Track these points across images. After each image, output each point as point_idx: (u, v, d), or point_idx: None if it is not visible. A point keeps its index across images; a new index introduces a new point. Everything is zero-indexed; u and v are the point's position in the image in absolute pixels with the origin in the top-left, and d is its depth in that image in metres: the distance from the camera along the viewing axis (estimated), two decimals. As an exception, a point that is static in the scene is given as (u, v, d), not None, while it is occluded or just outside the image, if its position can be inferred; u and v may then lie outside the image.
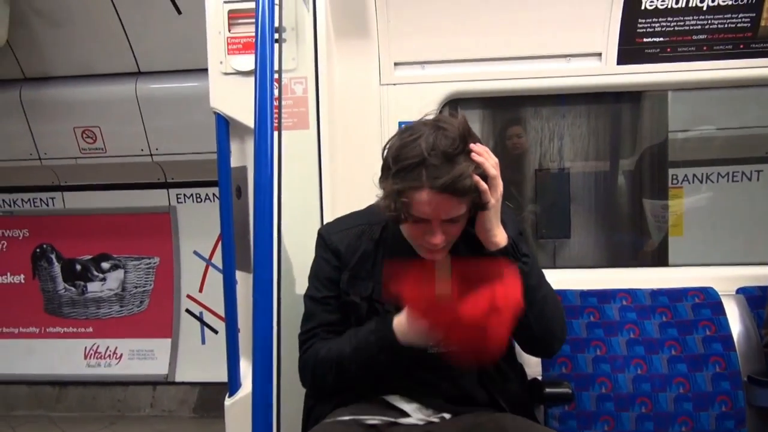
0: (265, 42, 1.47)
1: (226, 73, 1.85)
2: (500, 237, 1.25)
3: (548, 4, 1.89)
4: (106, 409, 4.17)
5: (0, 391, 4.29)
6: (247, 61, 1.83)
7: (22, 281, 4.40)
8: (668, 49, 1.88)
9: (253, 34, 1.48)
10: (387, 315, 1.25)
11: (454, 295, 1.14)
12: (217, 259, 4.19)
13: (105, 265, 4.35)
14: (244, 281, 1.98)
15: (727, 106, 2.87)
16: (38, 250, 4.38)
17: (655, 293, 1.77)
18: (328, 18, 1.83)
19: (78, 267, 4.36)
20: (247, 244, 1.98)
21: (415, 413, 1.29)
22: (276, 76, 1.61)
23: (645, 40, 1.88)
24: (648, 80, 1.92)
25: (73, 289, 4.36)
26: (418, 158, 1.12)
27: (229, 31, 1.82)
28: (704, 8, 1.84)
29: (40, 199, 4.36)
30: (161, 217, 4.26)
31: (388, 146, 1.22)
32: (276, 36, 1.53)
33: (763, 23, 1.86)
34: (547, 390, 1.45)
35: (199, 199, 4.24)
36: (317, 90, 1.85)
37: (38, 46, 3.66)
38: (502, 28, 1.90)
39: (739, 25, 1.86)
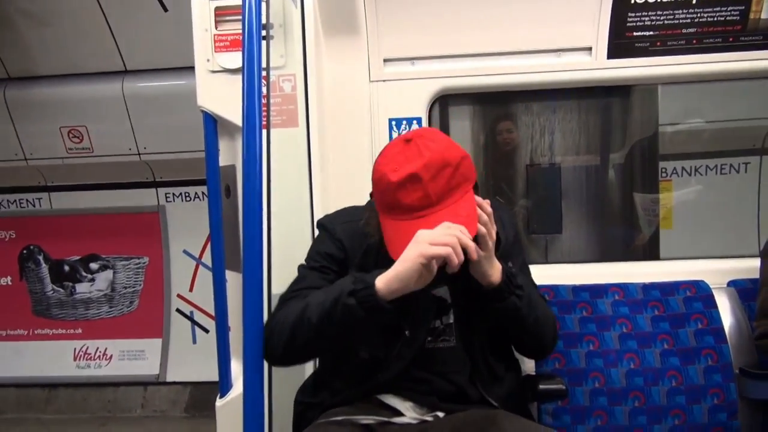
0: (252, 39, 1.45)
1: (213, 71, 1.83)
2: (494, 276, 1.21)
3: (538, -2, 1.88)
4: (96, 410, 4.13)
5: (-11, 395, 4.25)
6: (235, 59, 1.80)
7: (9, 283, 4.35)
8: (658, 43, 1.87)
9: (240, 31, 1.46)
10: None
11: None
12: (207, 258, 4.17)
13: (93, 265, 4.31)
14: (234, 281, 1.95)
15: (714, 99, 2.89)
16: (25, 251, 4.33)
17: (647, 287, 1.77)
18: (317, 14, 1.81)
19: (66, 268, 4.31)
20: (237, 243, 1.96)
21: (409, 412, 1.27)
22: (264, 73, 1.60)
23: (635, 34, 1.87)
24: (638, 74, 1.92)
25: (62, 290, 4.31)
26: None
27: (216, 28, 1.79)
28: (693, 2, 1.84)
29: (27, 200, 4.30)
30: (150, 216, 4.22)
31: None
32: (263, 33, 1.51)
33: (752, 16, 1.86)
34: (541, 386, 1.44)
35: (188, 198, 4.21)
36: (306, 87, 1.83)
37: (23, 45, 3.60)
38: (492, 23, 1.89)
39: (728, 18, 1.86)
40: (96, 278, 4.30)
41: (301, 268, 1.37)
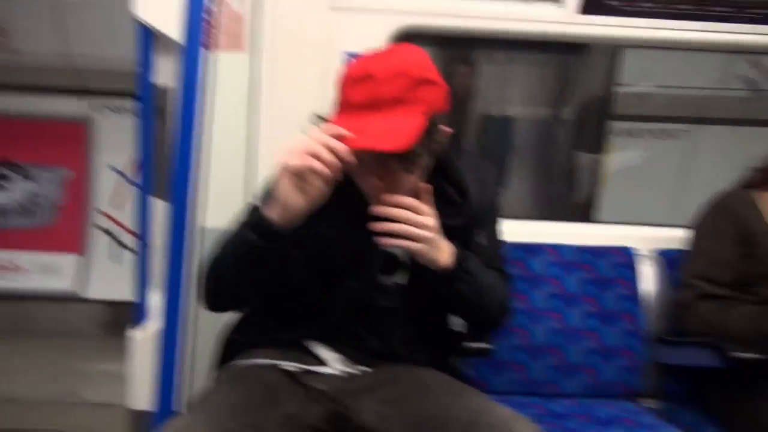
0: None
1: (154, -25, 1.65)
2: (442, 260, 1.12)
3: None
4: (6, 323, 3.96)
5: None
6: (178, -35, 1.63)
7: None
8: (628, 3, 1.83)
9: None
10: None
11: None
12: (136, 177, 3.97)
13: (9, 173, 4.02)
14: (160, 209, 1.85)
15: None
16: (-67, 152, 3.98)
17: (580, 249, 1.81)
18: None
19: (-22, 174, 4.00)
20: (166, 170, 1.85)
21: (335, 363, 1.25)
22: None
23: (607, -10, 1.82)
24: (607, 33, 1.86)
25: (-28, 196, 4.02)
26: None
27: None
28: (670, -36, 1.80)
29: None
30: (75, 126, 3.95)
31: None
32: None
33: (725, -13, 1.84)
34: (466, 344, 1.45)
35: (119, 110, 3.95)
36: (256, 6, 1.70)
37: None
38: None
39: (702, -14, 1.83)
40: (11, 187, 4.03)
41: (248, 205, 1.23)
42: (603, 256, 1.80)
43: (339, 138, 0.99)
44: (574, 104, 2.67)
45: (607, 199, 2.62)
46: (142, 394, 1.75)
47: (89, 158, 3.98)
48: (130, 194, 3.99)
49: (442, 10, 1.83)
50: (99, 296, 3.98)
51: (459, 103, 2.34)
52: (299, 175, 0.99)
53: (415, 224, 1.07)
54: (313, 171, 0.98)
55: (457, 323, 1.38)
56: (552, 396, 1.72)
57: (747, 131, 3.28)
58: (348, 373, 1.24)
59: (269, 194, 1.14)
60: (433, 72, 1.08)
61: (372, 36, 1.80)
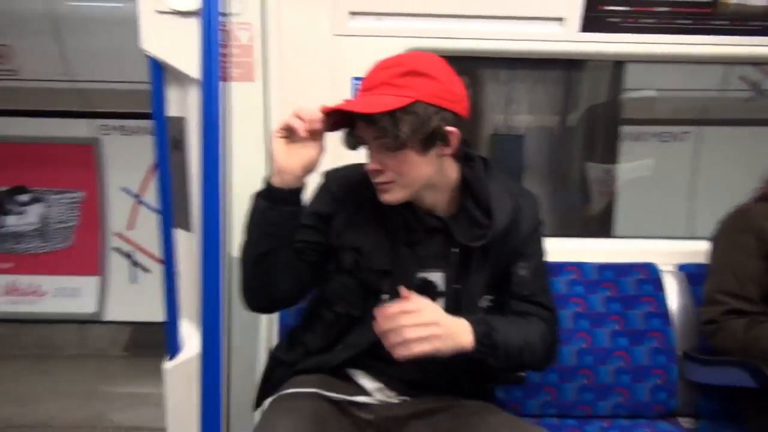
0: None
1: (161, 12, 1.64)
2: (464, 344, 1.10)
3: (512, -37, 1.78)
4: (30, 347, 4.00)
5: None
6: (187, 0, 1.63)
7: (-71, 215, 4.05)
8: (630, 20, 1.82)
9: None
10: None
11: None
12: (148, 197, 3.98)
13: (23, 198, 4.04)
14: (182, 239, 1.86)
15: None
16: (-55, 179, 4.01)
17: (602, 267, 1.79)
18: (276, -45, 1.65)
19: (-9, 200, 4.03)
20: (186, 200, 1.85)
21: (377, 393, 1.28)
22: (221, 19, 1.46)
23: (607, 8, 1.81)
24: (608, 50, 1.87)
25: (-13, 222, 4.05)
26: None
27: (165, -37, 1.60)
28: (667, -20, 1.79)
29: (-55, 125, 3.94)
30: (84, 148, 3.96)
31: None
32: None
33: (722, 0, 1.83)
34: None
35: (125, 132, 3.96)
36: (264, 39, 1.69)
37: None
38: (464, -17, 1.78)
39: (699, 0, 1.82)
40: (26, 211, 4.05)
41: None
42: (627, 273, 1.78)
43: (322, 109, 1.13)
44: (581, 114, 2.65)
45: (622, 210, 2.60)
46: (182, 422, 1.78)
47: (100, 180, 4.01)
48: (143, 214, 4.03)
49: (446, 32, 1.82)
50: (119, 318, 4.02)
51: (472, 122, 2.32)
52: (286, 138, 1.15)
53: (417, 326, 1.05)
54: (292, 128, 1.12)
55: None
56: (586, 417, 1.71)
57: (753, 131, 3.27)
58: (389, 402, 1.26)
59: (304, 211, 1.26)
60: (432, 67, 1.12)
61: (377, 59, 1.80)
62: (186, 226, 1.87)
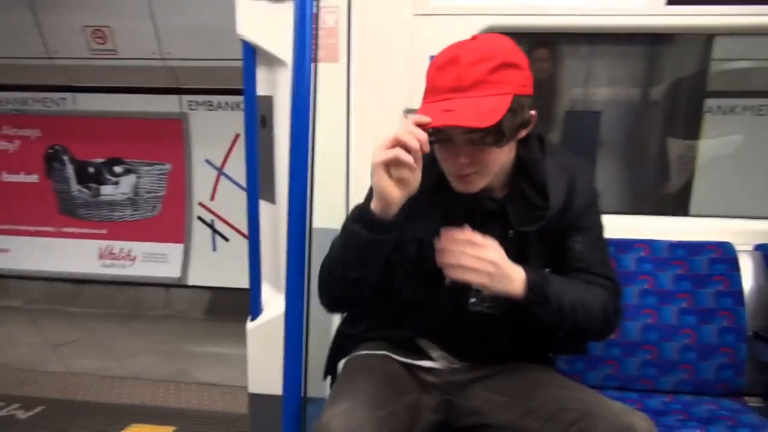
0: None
1: (254, -1, 1.77)
2: (514, 290, 1.12)
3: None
4: (121, 307, 4.37)
5: (19, 286, 4.47)
6: (278, -13, 1.74)
7: (36, 181, 4.44)
8: (718, -9, 1.78)
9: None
10: None
11: None
12: (228, 169, 4.22)
13: (117, 169, 4.38)
14: (265, 210, 2.00)
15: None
16: (51, 150, 4.39)
17: (674, 245, 1.79)
18: (362, -59, 1.72)
19: (91, 169, 4.39)
20: (271, 174, 1.99)
21: (440, 359, 1.35)
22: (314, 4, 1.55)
23: (696, -21, 1.77)
24: (695, 23, 1.82)
25: (87, 191, 4.41)
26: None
27: (260, -46, 1.72)
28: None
29: (51, 99, 4.30)
30: (173, 123, 4.24)
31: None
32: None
33: (817, -33, 1.75)
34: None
35: (211, 107, 4.19)
36: (349, 21, 1.78)
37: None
38: (546, -42, 1.80)
39: (793, -32, 1.75)
40: (120, 181, 4.39)
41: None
42: (699, 252, 1.77)
43: (424, 125, 1.04)
44: (664, 88, 2.59)
45: (702, 189, 2.53)
46: (261, 377, 1.94)
47: (186, 153, 4.28)
48: (224, 186, 4.27)
49: (525, 9, 1.84)
50: (200, 283, 4.32)
51: (543, 91, 2.32)
52: (389, 167, 1.05)
53: (475, 258, 1.09)
54: (400, 161, 1.03)
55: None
56: (647, 392, 1.73)
57: None
58: (452, 368, 1.34)
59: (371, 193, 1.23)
60: (517, 55, 1.09)
61: (456, 38, 1.85)
62: (271, 198, 2.01)
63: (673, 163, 2.49)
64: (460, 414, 1.33)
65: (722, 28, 1.88)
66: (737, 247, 1.79)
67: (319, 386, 1.56)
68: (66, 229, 4.45)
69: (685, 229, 1.89)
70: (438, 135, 1.11)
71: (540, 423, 1.17)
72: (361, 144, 1.87)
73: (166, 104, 4.19)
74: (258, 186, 1.94)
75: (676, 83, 2.59)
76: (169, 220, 4.37)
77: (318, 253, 1.69)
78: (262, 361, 1.96)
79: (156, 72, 3.97)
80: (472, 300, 1.23)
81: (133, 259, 4.41)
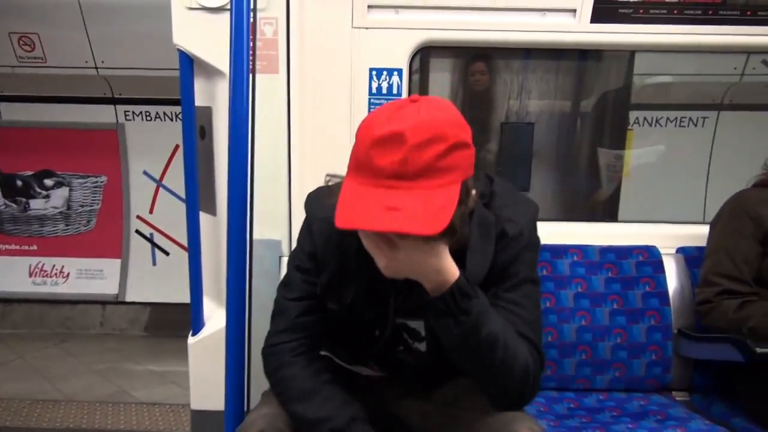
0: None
1: (191, 8, 1.75)
2: (435, 281, 1.03)
3: (526, -44, 1.85)
4: (53, 326, 4.18)
5: (-59, 307, 4.20)
6: (216, -4, 1.74)
7: (-42, 196, 4.21)
8: (641, 11, 1.88)
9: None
10: None
11: None
12: (168, 181, 4.12)
13: (48, 182, 4.20)
14: (206, 223, 1.97)
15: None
16: (-26, 163, 4.16)
17: (604, 250, 1.88)
18: (300, -46, 1.74)
19: (19, 183, 4.18)
20: (211, 185, 1.96)
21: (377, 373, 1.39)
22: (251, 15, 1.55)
23: (619, -1, 1.88)
24: (619, 40, 1.92)
25: (15, 205, 4.21)
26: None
27: (195, -38, 1.71)
28: (676, -28, 1.85)
29: (-26, 109, 4.09)
30: (108, 134, 4.09)
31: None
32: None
33: (731, -9, 1.88)
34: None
35: (149, 117, 4.08)
36: (288, 32, 1.79)
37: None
38: (479, -24, 1.86)
39: (709, -9, 1.88)
40: (51, 195, 4.21)
41: (289, 266, 1.29)
42: (627, 256, 1.87)
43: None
44: (593, 101, 2.72)
45: (628, 195, 2.68)
46: (204, 393, 1.90)
47: (123, 165, 4.14)
48: (163, 199, 4.16)
49: (462, 24, 1.89)
50: (139, 299, 4.18)
51: (480, 103, 2.40)
52: None
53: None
54: None
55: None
56: (584, 391, 1.82)
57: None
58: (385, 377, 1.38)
59: (301, 255, 1.25)
60: (465, 131, 0.98)
61: (394, 51, 1.90)
62: (211, 210, 1.99)
63: (603, 171, 2.62)
64: (388, 421, 1.34)
65: (642, 45, 2.00)
66: (662, 251, 1.90)
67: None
68: (-8, 246, 4.23)
69: (614, 234, 2.00)
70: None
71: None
72: (302, 155, 1.88)
73: (101, 114, 4.05)
74: (198, 198, 1.90)
75: (604, 96, 2.74)
76: (105, 235, 4.22)
77: (257, 264, 1.69)
78: (204, 376, 1.92)
79: (89, 81, 3.84)
80: (401, 348, 1.28)
81: (67, 276, 4.23)
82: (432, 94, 1.38)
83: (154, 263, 4.22)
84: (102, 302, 4.19)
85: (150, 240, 4.20)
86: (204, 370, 1.91)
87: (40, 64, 3.77)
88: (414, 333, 1.26)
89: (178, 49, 1.78)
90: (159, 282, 4.15)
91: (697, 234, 1.91)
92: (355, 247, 1.12)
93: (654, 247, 1.90)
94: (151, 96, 3.97)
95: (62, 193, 4.20)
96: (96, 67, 3.75)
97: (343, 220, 0.94)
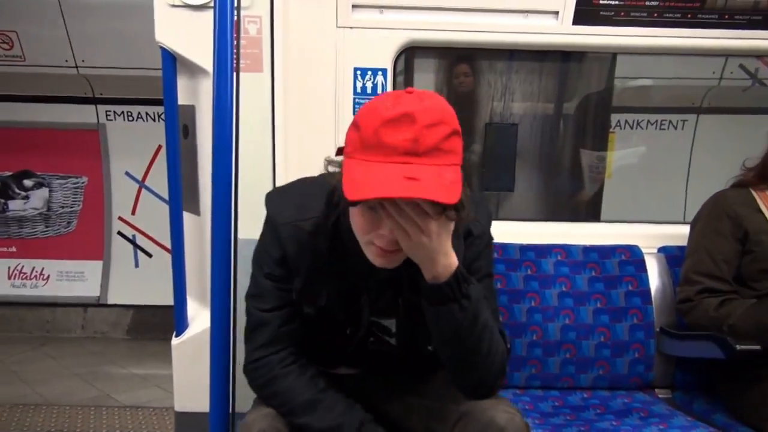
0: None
1: (173, 5, 1.74)
2: (441, 270, 1.03)
3: (511, -43, 1.87)
4: (34, 330, 4.11)
5: None
6: (200, -6, 1.72)
7: (-65, 196, 4.12)
8: (622, 14, 1.91)
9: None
10: None
11: None
12: (151, 181, 4.08)
13: (27, 182, 4.13)
14: (189, 223, 1.95)
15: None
16: (-49, 163, 4.09)
17: (587, 249, 1.90)
18: (285, -48, 1.73)
19: (-3, 183, 4.12)
20: (195, 185, 1.94)
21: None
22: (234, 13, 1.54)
23: (601, 2, 1.90)
24: (601, 42, 1.95)
25: (-8, 206, 4.14)
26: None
27: (179, -40, 1.69)
28: (657, -25, 1.88)
29: (-48, 108, 4.01)
30: (89, 134, 4.04)
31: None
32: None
33: (711, -6, 1.92)
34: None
35: (131, 117, 4.04)
36: (272, 31, 1.78)
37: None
38: (464, -23, 1.87)
39: (689, -6, 1.91)
40: (30, 196, 4.14)
41: (256, 276, 1.26)
42: (610, 255, 1.89)
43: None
44: (576, 101, 2.75)
45: (611, 195, 2.71)
46: (187, 394, 1.89)
47: (104, 165, 4.09)
48: (145, 200, 4.11)
49: (446, 24, 1.91)
50: (121, 301, 4.13)
51: (467, 113, 2.43)
52: None
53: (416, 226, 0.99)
54: None
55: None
56: (568, 389, 1.83)
57: (750, 119, 3.37)
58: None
59: (268, 261, 1.23)
60: (458, 122, 1.01)
61: (378, 51, 1.90)
62: (195, 210, 1.97)
63: (585, 172, 2.65)
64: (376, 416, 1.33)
65: (623, 47, 2.03)
66: (644, 250, 1.93)
67: (249, 400, 1.54)
68: (-31, 248, 4.15)
69: (597, 234, 2.03)
70: (369, 201, 0.99)
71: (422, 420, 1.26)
72: (286, 154, 1.87)
73: (81, 114, 4.00)
74: (181, 198, 1.89)
75: (586, 98, 2.77)
76: (86, 236, 4.16)
77: (243, 264, 1.67)
78: (188, 377, 1.90)
79: (69, 80, 3.79)
80: (371, 339, 1.29)
81: (47, 278, 4.16)
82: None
83: (137, 265, 4.17)
84: (83, 305, 4.13)
85: (132, 242, 4.15)
86: (188, 372, 1.89)
87: (18, 63, 3.72)
88: (385, 330, 1.28)
89: (161, 47, 1.76)
90: (141, 284, 4.10)
91: (679, 233, 1.94)
92: (327, 247, 1.15)
93: (636, 246, 1.92)
94: (133, 96, 3.93)
95: (42, 194, 4.14)
96: (76, 66, 3.71)
97: (360, 192, 0.93)
